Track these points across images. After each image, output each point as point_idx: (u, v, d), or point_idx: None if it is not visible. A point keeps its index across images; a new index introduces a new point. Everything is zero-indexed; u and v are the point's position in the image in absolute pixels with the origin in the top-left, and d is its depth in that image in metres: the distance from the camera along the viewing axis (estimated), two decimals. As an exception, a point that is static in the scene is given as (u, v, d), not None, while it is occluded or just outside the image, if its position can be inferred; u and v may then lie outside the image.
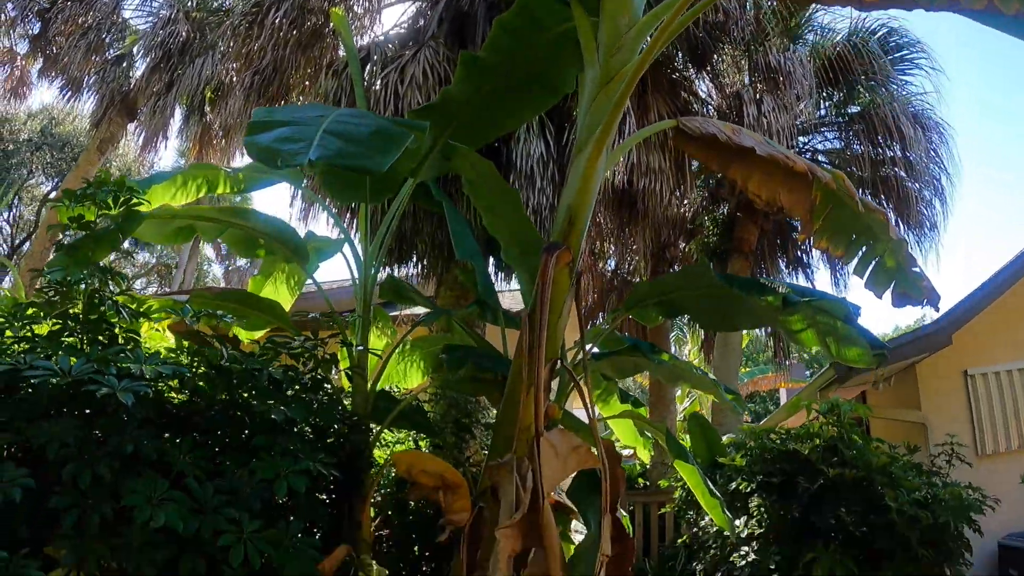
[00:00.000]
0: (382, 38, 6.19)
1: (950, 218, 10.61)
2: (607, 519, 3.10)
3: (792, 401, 7.98)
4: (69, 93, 13.51)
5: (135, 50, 12.27)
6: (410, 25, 6.65)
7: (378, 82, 5.45)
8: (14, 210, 24.94)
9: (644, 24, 3.57)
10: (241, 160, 9.09)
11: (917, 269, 4.15)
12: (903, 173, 9.58)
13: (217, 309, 4.28)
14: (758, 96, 7.29)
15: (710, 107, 7.86)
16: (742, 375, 14.14)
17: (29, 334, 2.99)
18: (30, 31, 14.33)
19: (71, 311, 3.15)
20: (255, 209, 4.57)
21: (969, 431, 8.08)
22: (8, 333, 2.99)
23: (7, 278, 20.94)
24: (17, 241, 24.77)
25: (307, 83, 6.53)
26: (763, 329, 11.15)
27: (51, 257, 3.82)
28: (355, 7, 6.27)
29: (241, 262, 24.17)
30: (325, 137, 2.64)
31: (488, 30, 5.95)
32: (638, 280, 10.36)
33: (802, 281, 10.65)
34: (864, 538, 4.76)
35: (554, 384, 3.90)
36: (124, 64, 12.22)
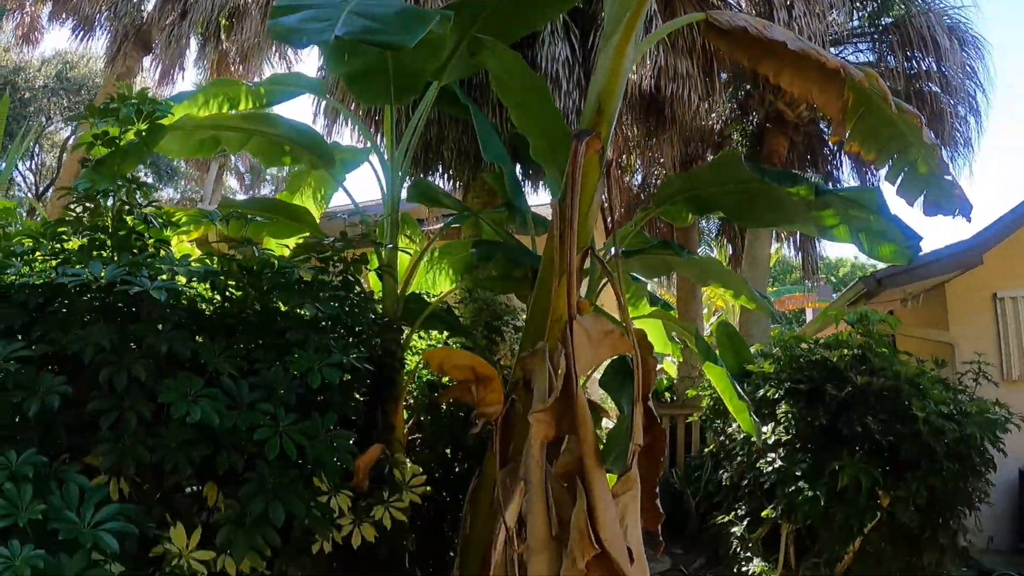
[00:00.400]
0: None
1: (984, 136, 10.32)
2: (639, 408, 3.09)
3: (822, 312, 7.93)
4: (82, 32, 13.39)
5: (147, -18, 12.09)
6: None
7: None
8: (35, 158, 25.08)
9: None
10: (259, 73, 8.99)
11: (950, 177, 4.04)
12: (937, 88, 9.28)
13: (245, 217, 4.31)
14: (789, 1, 7.03)
15: (738, 10, 7.58)
16: (769, 294, 14.10)
17: (59, 248, 3.01)
18: (37, -25, 14.18)
19: (100, 224, 3.18)
20: (279, 115, 4.52)
21: (996, 354, 7.98)
22: (39, 254, 3.01)
23: (37, 219, 21.21)
24: (41, 188, 24.98)
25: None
26: (791, 247, 11.04)
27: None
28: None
29: (265, 191, 24.21)
30: (350, 17, 2.59)
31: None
32: None
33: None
34: (890, 447, 4.79)
35: (585, 283, 3.88)
36: (135, -1, 12.06)
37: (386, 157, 4.28)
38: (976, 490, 4.96)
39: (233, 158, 22.18)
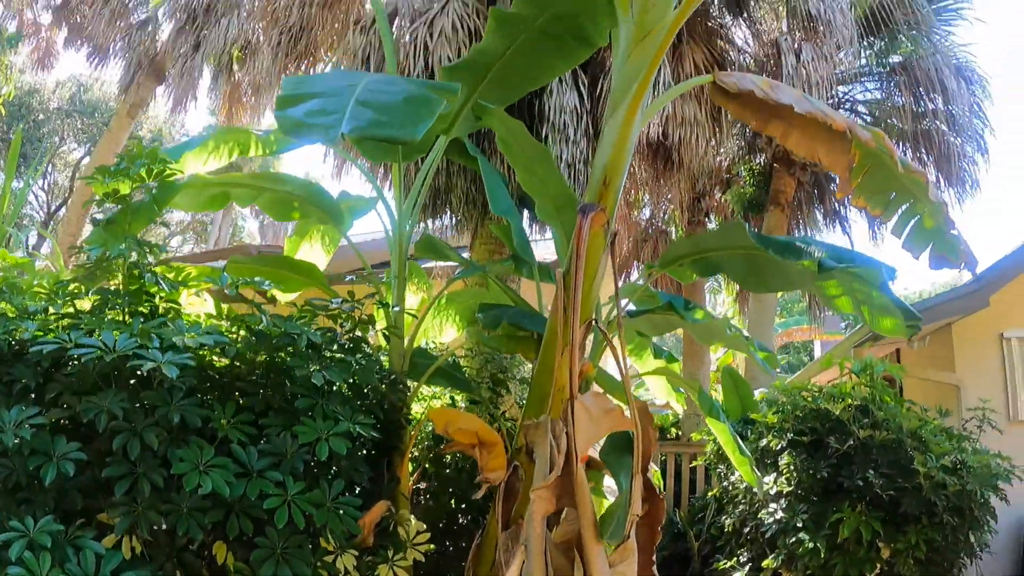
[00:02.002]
0: (407, -9, 6.10)
1: (992, 174, 10.35)
2: (638, 479, 3.13)
3: (826, 357, 7.94)
4: (96, 60, 13.61)
5: (159, 13, 12.26)
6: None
7: (407, 36, 5.40)
8: (48, 177, 25.36)
9: (681, -26, 3.47)
10: (272, 116, 9.10)
11: (956, 232, 4.10)
12: (945, 127, 9.31)
13: (253, 275, 4.36)
14: (797, 45, 7.08)
15: (747, 55, 7.66)
16: (777, 325, 14.10)
17: (72, 310, 3.07)
18: (53, 2, 14.39)
19: (111, 284, 3.25)
20: (288, 174, 4.59)
21: (1003, 395, 7.97)
22: (51, 311, 3.06)
23: (45, 244, 21.40)
24: (53, 208, 25.24)
25: (335, 39, 6.48)
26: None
27: (88, 232, 3.89)
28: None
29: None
30: (357, 108, 2.63)
31: (519, -21, 5.85)
32: (673, 229, 10.29)
33: (839, 233, 10.49)
34: (891, 500, 4.82)
35: (589, 340, 3.91)
36: (149, 28, 12.24)
37: (394, 209, 4.34)
38: (978, 540, 4.98)
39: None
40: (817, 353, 18.13)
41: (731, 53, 7.02)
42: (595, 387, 4.04)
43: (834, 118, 4.02)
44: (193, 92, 10.67)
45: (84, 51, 14.00)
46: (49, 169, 24.35)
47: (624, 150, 3.29)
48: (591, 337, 4.04)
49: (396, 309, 3.91)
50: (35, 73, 18.17)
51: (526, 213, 5.64)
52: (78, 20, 13.51)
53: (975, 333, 8.22)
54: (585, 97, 5.48)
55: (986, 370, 8.14)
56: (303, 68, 6.94)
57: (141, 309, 3.19)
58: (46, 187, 25.53)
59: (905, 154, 9.56)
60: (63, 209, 23.65)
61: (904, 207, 4.23)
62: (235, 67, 9.84)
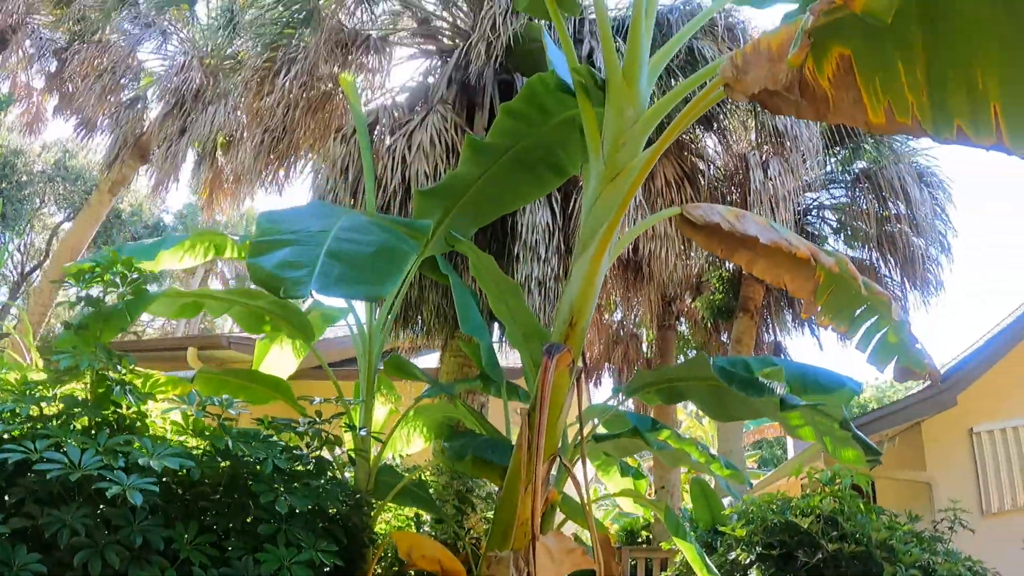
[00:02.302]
0: (390, 101, 6.29)
1: (955, 273, 10.67)
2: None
3: (795, 466, 7.96)
4: (83, 132, 13.73)
5: (149, 92, 12.48)
6: (419, 83, 6.78)
7: (386, 143, 5.54)
8: (26, 237, 25.18)
9: (651, 115, 3.63)
10: (251, 203, 9.22)
11: (920, 346, 4.22)
12: (908, 230, 9.62)
13: (222, 389, 4.36)
14: (764, 160, 7.35)
15: (716, 167, 7.93)
16: (749, 423, 14.17)
17: (38, 413, 3.07)
18: (47, 68, 14.62)
19: (79, 384, 3.25)
20: (261, 290, 4.62)
21: (974, 489, 8.04)
22: (18, 411, 3.04)
23: (13, 309, 21.09)
24: (27, 269, 24.97)
25: (316, 141, 6.64)
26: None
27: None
28: (365, 69, 6.38)
29: (254, 286, 24.20)
30: (327, 262, 2.69)
31: (496, 93, 6.08)
32: (644, 332, 10.40)
33: (808, 336, 10.66)
34: (861, 611, 4.79)
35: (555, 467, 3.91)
36: (138, 106, 12.43)
37: (364, 324, 4.37)
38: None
39: (220, 262, 22.36)
40: (790, 448, 18.07)
41: (701, 165, 7.27)
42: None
43: (798, 247, 4.17)
44: (175, 174, 10.75)
45: (72, 121, 14.15)
46: (27, 230, 24.20)
47: (591, 290, 3.36)
48: (557, 464, 4.05)
49: (363, 432, 3.90)
50: (23, 136, 18.24)
51: (497, 325, 5.70)
52: (70, 90, 13.65)
53: (944, 430, 8.33)
54: (558, 213, 5.62)
55: (957, 466, 8.22)
56: (284, 166, 7.08)
57: (108, 417, 3.18)
58: (22, 247, 25.31)
59: (871, 257, 9.85)
60: (37, 272, 23.43)
61: (868, 323, 4.36)
62: (219, 154, 9.99)
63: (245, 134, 7.10)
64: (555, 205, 5.62)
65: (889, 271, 10.00)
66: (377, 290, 2.66)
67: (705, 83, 3.54)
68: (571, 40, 3.77)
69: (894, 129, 2.50)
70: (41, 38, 13.66)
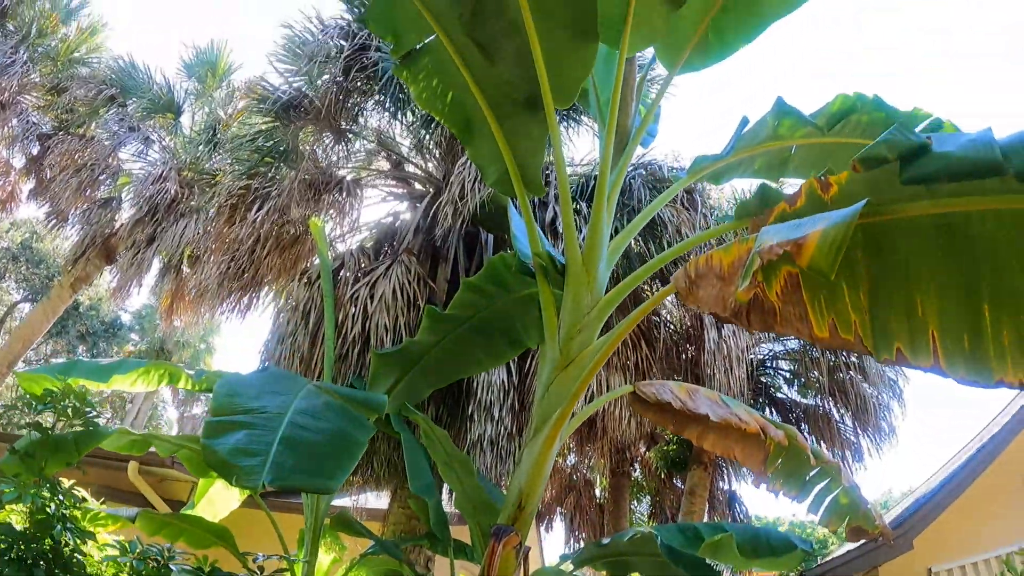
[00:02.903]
0: (356, 246, 6.43)
1: (907, 417, 10.85)
2: None
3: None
4: (54, 222, 13.66)
5: (123, 194, 12.54)
6: (388, 226, 6.94)
7: (350, 290, 5.60)
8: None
9: (606, 303, 3.73)
10: (211, 317, 9.13)
11: (870, 506, 4.32)
12: (860, 378, 9.84)
13: (163, 528, 4.25)
14: (719, 321, 7.52)
15: (672, 325, 8.11)
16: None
17: None
18: (29, 151, 14.66)
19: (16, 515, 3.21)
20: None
21: (936, 630, 7.96)
22: None
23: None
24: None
25: (281, 276, 6.69)
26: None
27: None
28: (336, 209, 6.53)
29: (197, 410, 23.84)
30: (281, 451, 2.69)
31: (461, 247, 6.25)
32: (597, 478, 10.31)
33: (763, 490, 10.58)
34: None
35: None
36: (112, 206, 12.46)
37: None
38: None
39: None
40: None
41: (657, 321, 7.43)
42: None
43: (748, 423, 4.28)
44: (139, 280, 10.68)
45: (45, 208, 14.06)
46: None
47: (541, 476, 3.37)
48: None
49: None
50: (-6, 209, 18.05)
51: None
52: (47, 176, 13.63)
53: (903, 572, 8.28)
54: (514, 372, 5.67)
55: (917, 608, 8.14)
56: (247, 295, 7.10)
57: (45, 550, 3.12)
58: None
59: (825, 405, 10.02)
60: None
61: (819, 487, 4.47)
62: (184, 265, 9.99)
63: (212, 258, 7.13)
64: (511, 363, 5.67)
65: (842, 417, 10.16)
66: (330, 484, 2.64)
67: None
68: (534, 221, 3.92)
69: (838, 344, 2.63)
70: (28, 120, 13.71)
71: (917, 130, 4.72)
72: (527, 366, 5.83)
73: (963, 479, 8.54)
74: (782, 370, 10.60)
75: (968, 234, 2.29)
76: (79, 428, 3.88)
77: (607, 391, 5.85)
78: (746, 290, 2.39)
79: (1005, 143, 2.12)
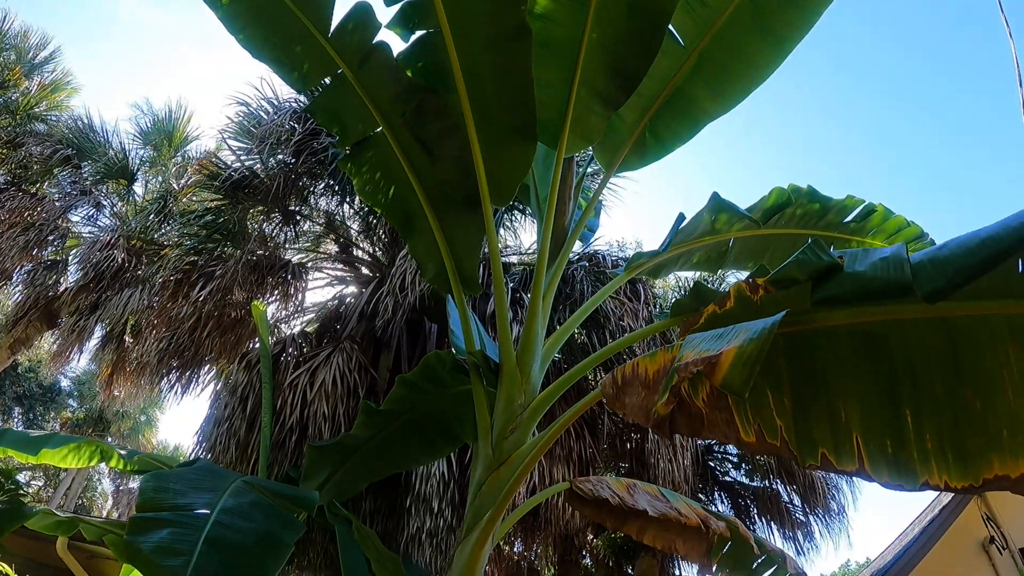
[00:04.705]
0: (298, 330, 6.38)
1: (859, 498, 10.91)
2: None
3: None
4: (-2, 279, 13.26)
5: (70, 257, 12.29)
6: (332, 309, 6.89)
7: (290, 376, 5.51)
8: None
9: (539, 403, 3.73)
10: (151, 391, 8.89)
11: None
12: (810, 460, 9.88)
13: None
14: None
15: (617, 415, 8.12)
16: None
17: None
18: (-24, 203, 14.30)
19: None
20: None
21: None
22: None
23: None
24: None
25: (221, 356, 6.57)
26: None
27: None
28: (280, 292, 6.49)
29: (133, 484, 22.99)
30: (205, 552, 2.60)
31: (404, 335, 6.23)
32: (544, 566, 10.08)
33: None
34: None
35: None
36: (57, 268, 12.17)
37: None
38: None
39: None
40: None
41: (601, 410, 7.40)
42: None
43: (688, 516, 4.29)
44: (80, 347, 10.39)
45: (-11, 264, 13.67)
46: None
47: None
48: None
49: None
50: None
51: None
52: (-6, 232, 13.32)
53: None
54: (454, 464, 5.59)
55: None
56: (187, 373, 6.96)
57: None
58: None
59: (774, 486, 10.04)
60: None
61: (767, 574, 4.47)
62: (127, 336, 9.75)
63: (154, 332, 6.98)
64: (452, 455, 5.60)
65: (791, 499, 10.17)
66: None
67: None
68: (470, 319, 3.94)
69: (765, 449, 2.64)
70: (-21, 173, 13.47)
71: (848, 218, 4.94)
72: (467, 457, 5.75)
73: (919, 549, 8.53)
74: (729, 454, 10.63)
75: (887, 342, 2.35)
76: (2, 504, 3.75)
77: (549, 484, 5.79)
78: (666, 404, 2.42)
79: (916, 262, 2.20)
